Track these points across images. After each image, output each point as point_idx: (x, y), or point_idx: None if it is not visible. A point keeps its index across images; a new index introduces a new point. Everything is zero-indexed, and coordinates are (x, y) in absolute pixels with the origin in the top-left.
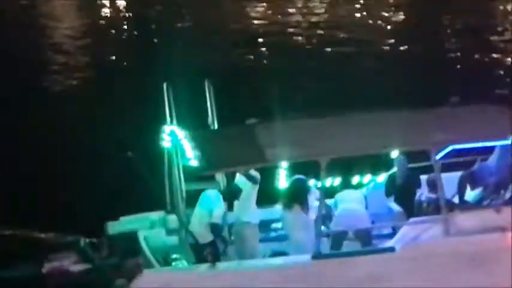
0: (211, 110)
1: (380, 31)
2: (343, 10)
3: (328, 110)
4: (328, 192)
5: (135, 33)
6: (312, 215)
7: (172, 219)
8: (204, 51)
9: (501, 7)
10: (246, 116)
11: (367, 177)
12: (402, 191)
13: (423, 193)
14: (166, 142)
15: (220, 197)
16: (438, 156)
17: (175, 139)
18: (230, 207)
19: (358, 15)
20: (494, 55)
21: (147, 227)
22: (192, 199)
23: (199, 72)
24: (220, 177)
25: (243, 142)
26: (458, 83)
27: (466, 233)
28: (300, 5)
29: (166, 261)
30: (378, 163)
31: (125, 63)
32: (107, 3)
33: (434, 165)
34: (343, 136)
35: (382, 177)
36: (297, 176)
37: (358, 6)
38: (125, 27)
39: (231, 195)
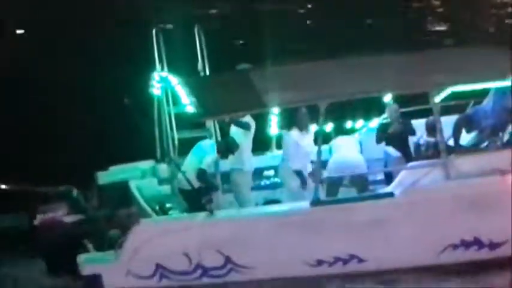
0: (202, 57)
1: None
2: None
3: (322, 55)
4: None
5: None
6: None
7: (163, 168)
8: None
9: None
10: (235, 62)
11: (360, 123)
12: (394, 138)
13: (421, 137)
14: (156, 89)
15: (215, 146)
16: (438, 99)
17: (167, 86)
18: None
19: None
20: None
21: (138, 177)
22: (185, 148)
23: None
24: (212, 125)
25: (240, 87)
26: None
27: (465, 176)
28: None
29: (162, 210)
30: (370, 108)
31: None
32: None
33: (434, 108)
34: (342, 80)
35: (375, 123)
36: None
37: None
38: None
39: (226, 149)
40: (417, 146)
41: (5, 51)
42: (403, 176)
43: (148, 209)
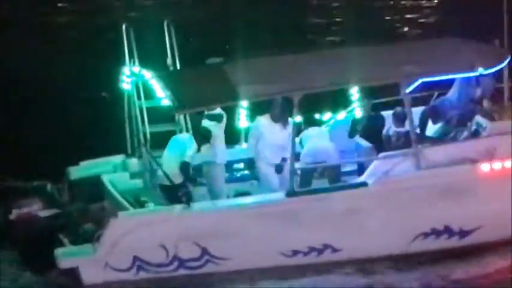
0: (172, 51)
1: None
2: None
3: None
4: None
5: None
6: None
7: (133, 162)
8: None
9: None
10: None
11: (327, 115)
12: (367, 131)
13: (391, 127)
14: (125, 84)
15: (193, 139)
16: (408, 90)
17: (138, 80)
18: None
19: None
20: None
21: (109, 171)
22: (158, 141)
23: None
24: (182, 119)
25: (215, 80)
26: None
27: (436, 165)
28: None
29: (139, 203)
30: (336, 101)
31: None
32: None
33: (404, 99)
34: (314, 72)
35: (342, 115)
36: None
37: None
38: None
39: (205, 138)
40: (387, 136)
41: None
42: (375, 166)
43: (125, 202)
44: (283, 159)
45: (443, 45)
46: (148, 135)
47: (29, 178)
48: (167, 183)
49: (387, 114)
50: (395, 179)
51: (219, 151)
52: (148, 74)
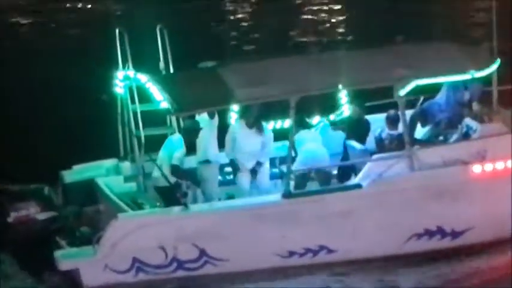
0: (164, 56)
1: None
2: None
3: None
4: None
5: None
6: None
7: (126, 166)
8: None
9: None
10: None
11: (316, 119)
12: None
13: (383, 130)
14: (119, 88)
15: (182, 140)
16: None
17: (132, 84)
18: (193, 149)
19: None
20: None
21: (102, 175)
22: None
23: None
24: (174, 122)
25: (212, 83)
26: None
27: (429, 167)
28: None
29: (137, 205)
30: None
31: None
32: None
33: (399, 102)
34: (310, 75)
35: (331, 118)
36: None
37: None
38: None
39: (189, 134)
40: (380, 139)
41: None
42: (369, 168)
43: (123, 205)
44: (258, 163)
45: (434, 49)
46: (143, 139)
47: (21, 182)
48: (162, 184)
49: (379, 117)
50: (389, 181)
51: (213, 151)
52: (144, 78)
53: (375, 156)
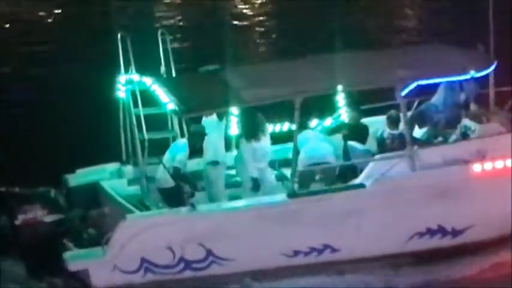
0: (167, 60)
1: None
2: None
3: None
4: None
5: None
6: None
7: (128, 170)
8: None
9: None
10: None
11: (314, 121)
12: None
13: (385, 130)
14: (121, 92)
15: (187, 143)
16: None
17: (135, 87)
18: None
19: None
20: None
21: (106, 178)
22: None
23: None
24: (176, 126)
25: (217, 85)
26: None
27: (430, 167)
28: None
29: (145, 206)
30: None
31: None
32: None
33: (400, 102)
34: (313, 76)
35: (328, 121)
36: None
37: None
38: None
39: (195, 138)
40: (381, 139)
41: None
42: (372, 168)
43: (131, 206)
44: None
45: (433, 50)
46: (146, 143)
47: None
48: (165, 186)
49: (376, 119)
50: (392, 180)
51: (221, 152)
52: (148, 80)
53: (377, 156)
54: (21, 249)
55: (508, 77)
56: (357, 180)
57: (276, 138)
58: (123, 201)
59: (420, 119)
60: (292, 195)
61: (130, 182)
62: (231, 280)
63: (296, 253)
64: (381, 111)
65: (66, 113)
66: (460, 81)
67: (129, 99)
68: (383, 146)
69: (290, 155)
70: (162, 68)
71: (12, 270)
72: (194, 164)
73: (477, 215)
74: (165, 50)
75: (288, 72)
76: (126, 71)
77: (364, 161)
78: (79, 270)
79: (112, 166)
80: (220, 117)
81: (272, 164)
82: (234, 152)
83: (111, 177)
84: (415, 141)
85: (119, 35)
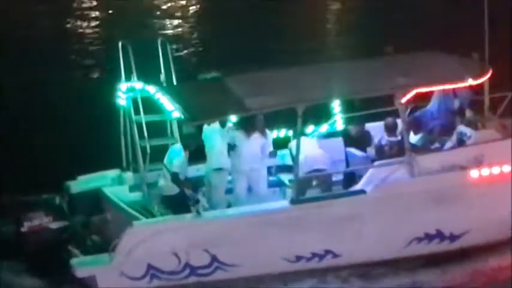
0: (167, 68)
1: None
2: None
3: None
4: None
5: None
6: None
7: (129, 176)
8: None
9: None
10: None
11: (310, 128)
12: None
13: (383, 137)
14: (121, 100)
15: (182, 148)
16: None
17: (137, 95)
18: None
19: None
20: None
21: (107, 185)
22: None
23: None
24: (176, 132)
25: (221, 93)
26: None
27: (429, 173)
28: None
29: (150, 213)
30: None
31: None
32: None
33: (400, 109)
34: (315, 84)
35: (325, 128)
36: None
37: None
38: None
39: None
40: (380, 146)
41: None
42: (371, 174)
43: (135, 213)
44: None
45: (429, 59)
46: (148, 149)
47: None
48: (168, 193)
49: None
50: (392, 186)
51: (224, 158)
52: (152, 89)
53: (376, 163)
54: (28, 256)
55: (500, 83)
56: (357, 186)
57: (273, 145)
58: (126, 208)
59: (415, 126)
60: (294, 201)
61: (132, 188)
62: (235, 285)
63: (298, 258)
64: (378, 116)
65: (67, 119)
66: (454, 88)
67: (129, 107)
68: (381, 152)
69: (286, 161)
70: (162, 76)
71: (17, 276)
72: (194, 170)
73: (475, 220)
74: (166, 58)
75: (289, 80)
76: (127, 78)
77: (364, 168)
78: (86, 277)
79: (113, 173)
80: (222, 124)
81: (269, 170)
82: None
83: (112, 184)
84: (413, 147)
85: (119, 44)
